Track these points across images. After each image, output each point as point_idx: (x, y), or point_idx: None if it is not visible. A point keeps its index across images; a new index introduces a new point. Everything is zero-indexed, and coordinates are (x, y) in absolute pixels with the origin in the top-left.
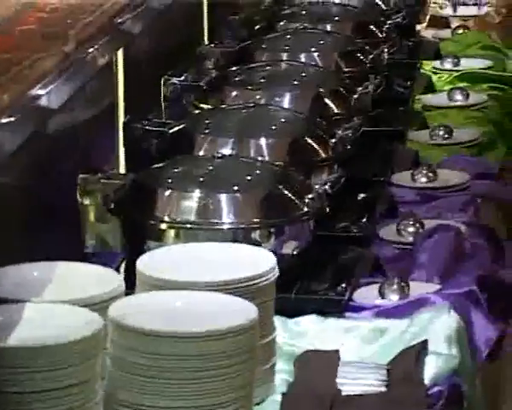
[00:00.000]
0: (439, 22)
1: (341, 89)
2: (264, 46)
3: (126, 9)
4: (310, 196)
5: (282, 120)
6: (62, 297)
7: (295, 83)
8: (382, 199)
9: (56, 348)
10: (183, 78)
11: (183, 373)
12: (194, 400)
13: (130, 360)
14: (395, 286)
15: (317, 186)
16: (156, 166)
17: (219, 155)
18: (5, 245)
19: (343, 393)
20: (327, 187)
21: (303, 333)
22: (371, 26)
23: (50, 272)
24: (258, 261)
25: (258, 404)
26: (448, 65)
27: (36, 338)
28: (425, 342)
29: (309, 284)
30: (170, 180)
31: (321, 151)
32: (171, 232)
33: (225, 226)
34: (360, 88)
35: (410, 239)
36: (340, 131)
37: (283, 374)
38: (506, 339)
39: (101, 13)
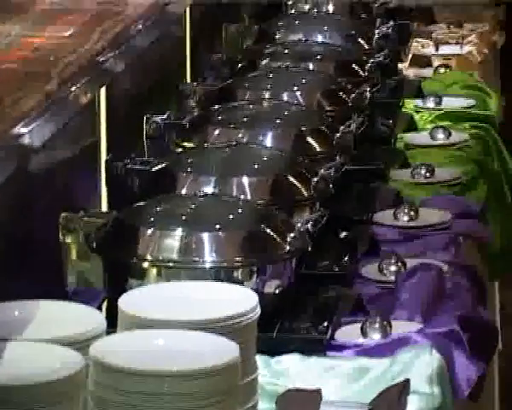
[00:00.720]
0: (421, 61)
1: (324, 127)
2: (246, 85)
3: (109, 48)
4: (292, 234)
5: (265, 158)
6: (43, 336)
7: (277, 122)
8: (364, 238)
9: (35, 388)
10: (165, 116)
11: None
12: None
13: (111, 398)
14: (377, 325)
15: (299, 225)
16: (138, 204)
17: (201, 194)
18: None
19: None
20: (309, 226)
21: (285, 372)
22: (353, 65)
23: (31, 311)
24: (240, 300)
25: None
26: (430, 104)
27: (15, 377)
28: (407, 382)
29: (291, 323)
30: (152, 219)
31: (303, 190)
32: (153, 271)
33: (207, 265)
34: (342, 127)
35: (392, 278)
36: (322, 170)
37: None
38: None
39: (83, 52)
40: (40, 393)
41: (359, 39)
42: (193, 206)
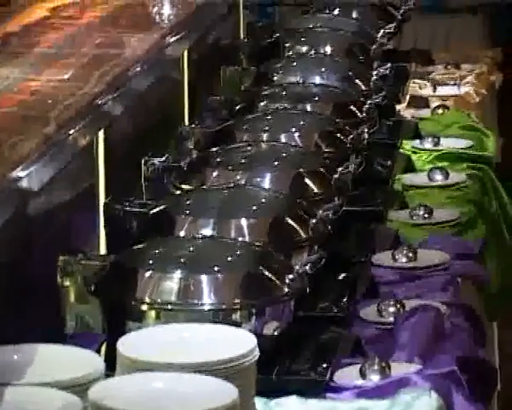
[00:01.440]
0: (419, 102)
1: (322, 169)
2: (244, 127)
3: (107, 91)
4: (290, 276)
5: (263, 200)
6: (42, 380)
7: (276, 163)
8: (363, 279)
9: None
10: (163, 158)
11: None
12: None
13: None
14: (376, 366)
15: (297, 266)
16: (137, 247)
17: (200, 236)
18: None
19: None
20: (307, 267)
21: None
22: (351, 106)
23: (30, 355)
24: (239, 342)
25: None
26: (428, 145)
27: None
28: None
29: (290, 365)
30: (150, 261)
31: (301, 231)
32: (152, 313)
33: (206, 307)
34: (340, 168)
35: (391, 319)
36: (320, 212)
37: None
38: None
39: (81, 95)
40: None
41: (357, 81)
42: (191, 248)
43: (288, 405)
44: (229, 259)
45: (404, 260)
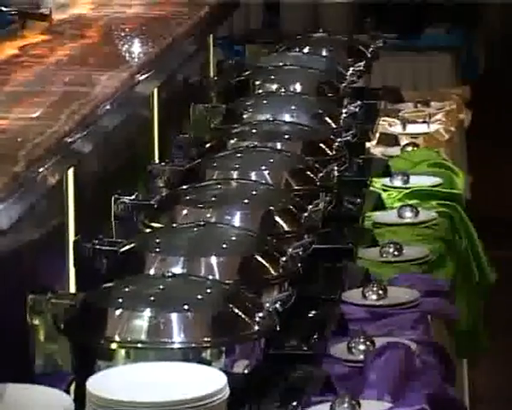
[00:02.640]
0: (389, 140)
1: (291, 207)
2: (214, 164)
3: (76, 129)
4: (260, 314)
5: (233, 238)
6: None
7: (245, 201)
8: (333, 317)
9: None
10: (133, 196)
11: None
12: None
13: None
14: (346, 405)
15: (267, 304)
16: (106, 285)
17: (170, 274)
18: None
19: None
20: (277, 305)
21: None
22: (321, 144)
23: None
24: (209, 381)
25: None
26: (398, 182)
27: None
28: None
29: (260, 403)
30: (120, 300)
31: (271, 269)
32: (122, 352)
33: (175, 346)
34: (310, 206)
35: (361, 357)
36: (290, 249)
37: None
38: None
39: (50, 133)
40: None
41: (327, 118)
42: (161, 286)
43: None
44: (199, 297)
45: (374, 297)
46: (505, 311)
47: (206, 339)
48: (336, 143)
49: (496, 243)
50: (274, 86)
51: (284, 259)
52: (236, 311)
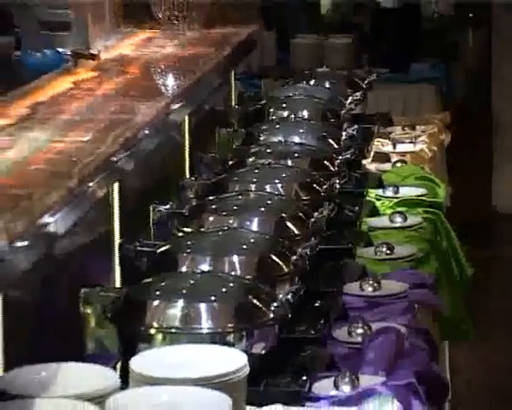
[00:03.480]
0: (382, 157)
1: (300, 214)
2: (235, 179)
3: (120, 150)
4: (274, 304)
5: (251, 241)
6: (67, 393)
7: (262, 209)
8: (335, 306)
9: None
10: (168, 206)
11: None
12: None
13: None
14: (347, 379)
15: (280, 296)
16: (146, 280)
17: (199, 272)
18: (19, 349)
19: None
20: (289, 297)
21: None
22: (325, 162)
23: (56, 372)
24: (232, 360)
25: None
26: (389, 193)
27: None
28: None
29: (274, 379)
30: (157, 293)
31: (284, 266)
32: (159, 336)
33: (204, 331)
34: (316, 213)
35: (359, 339)
36: (299, 250)
37: None
38: None
39: (98, 154)
40: None
41: (329, 140)
42: (191, 281)
43: None
44: (223, 290)
45: (370, 289)
46: (481, 302)
47: (229, 325)
48: (338, 161)
49: (472, 243)
50: (285, 113)
51: (294, 258)
52: (254, 301)
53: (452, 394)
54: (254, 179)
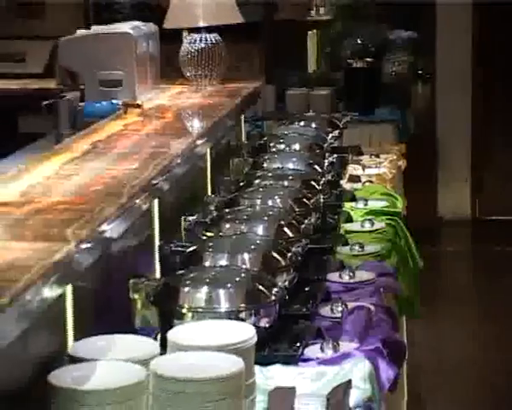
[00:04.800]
0: (354, 179)
1: (294, 221)
2: (245, 196)
3: (159, 175)
4: (275, 289)
5: (257, 242)
6: (120, 357)
7: (265, 218)
8: (321, 290)
9: (118, 389)
10: (195, 216)
11: (200, 403)
12: None
13: (161, 395)
14: (330, 345)
15: (279, 283)
16: (179, 272)
17: (218, 266)
18: (84, 324)
19: None
20: (286, 284)
21: (272, 376)
22: (312, 182)
23: (112, 341)
24: (243, 331)
25: None
26: (360, 205)
27: (105, 383)
28: (349, 381)
29: (275, 345)
30: (187, 282)
31: (282, 261)
32: (189, 314)
33: (222, 310)
34: (306, 221)
35: (339, 315)
36: (293, 248)
37: (261, 403)
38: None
39: (143, 178)
40: (121, 392)
41: (315, 166)
42: (212, 273)
43: (275, 370)
44: (237, 279)
45: (346, 277)
46: (429, 286)
47: (241, 305)
48: (322, 181)
49: (422, 242)
50: (282, 146)
51: (290, 254)
52: (260, 287)
53: (408, 355)
54: (259, 196)
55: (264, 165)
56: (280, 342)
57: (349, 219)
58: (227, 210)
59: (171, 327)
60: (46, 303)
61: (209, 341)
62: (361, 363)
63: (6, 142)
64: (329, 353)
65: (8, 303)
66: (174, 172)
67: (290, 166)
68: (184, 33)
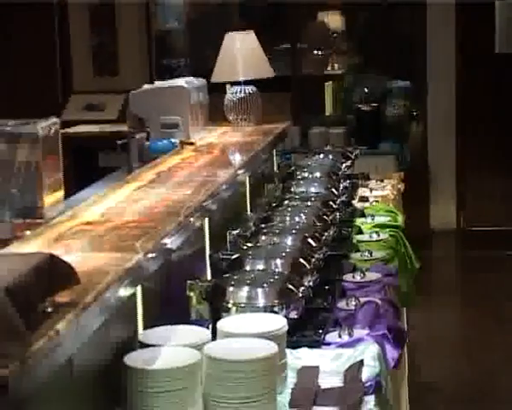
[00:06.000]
0: (363, 199)
1: (316, 234)
2: (277, 214)
3: (208, 199)
4: (302, 288)
5: (287, 250)
6: (180, 343)
7: (293, 231)
8: (338, 288)
9: (179, 369)
10: (237, 231)
11: (243, 379)
12: (249, 390)
13: (214, 374)
14: (346, 332)
15: (305, 283)
16: (225, 275)
17: (257, 270)
18: (151, 317)
19: (322, 387)
20: (310, 283)
21: (300, 357)
22: (330, 202)
23: (173, 331)
24: (277, 322)
25: (279, 394)
26: (368, 220)
27: (168, 364)
28: (362, 361)
29: (302, 332)
30: (232, 282)
31: (307, 265)
32: (234, 309)
33: (260, 305)
34: (326, 233)
35: (353, 308)
36: (316, 255)
37: (291, 379)
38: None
39: (195, 201)
40: (180, 371)
41: (333, 189)
42: (252, 276)
43: (302, 352)
44: (271, 280)
45: (358, 278)
46: (424, 282)
47: (275, 301)
48: (338, 201)
49: (418, 248)
50: (306, 174)
51: (313, 260)
52: (290, 286)
53: (408, 340)
54: (288, 214)
55: (292, 189)
56: (306, 329)
57: (360, 232)
58: (263, 225)
59: (219, 319)
60: (121, 300)
61: (250, 329)
62: (371, 346)
63: (89, 174)
64: (345, 338)
65: (92, 301)
66: (220, 196)
67: (312, 189)
68: (227, 86)
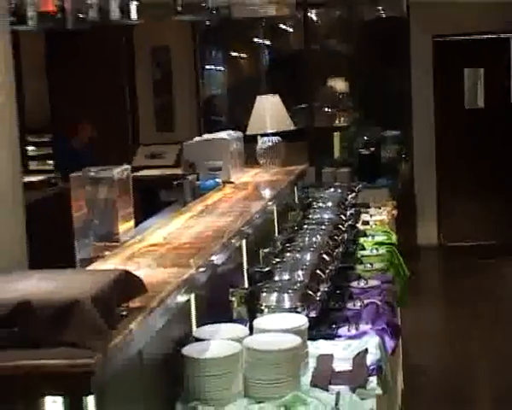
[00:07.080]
0: (365, 222)
1: (329, 250)
2: (299, 235)
3: (245, 225)
4: (319, 293)
5: (307, 263)
6: (225, 337)
7: (311, 249)
8: (347, 293)
9: (225, 358)
10: (268, 249)
11: (274, 365)
12: (279, 373)
13: (252, 362)
14: (353, 327)
15: (322, 289)
16: (259, 284)
17: (283, 279)
18: (202, 317)
19: (336, 370)
20: (325, 289)
21: (318, 347)
22: (340, 226)
23: (220, 328)
24: (299, 320)
25: (302, 376)
26: (369, 238)
27: (216, 354)
28: (366, 349)
29: (319, 328)
30: (264, 289)
31: (322, 275)
32: (266, 310)
33: (286, 307)
34: (336, 250)
35: (359, 307)
36: (329, 267)
37: (311, 364)
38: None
39: (235, 226)
40: (226, 360)
41: (341, 215)
42: (279, 284)
43: (320, 343)
44: (295, 287)
45: (362, 284)
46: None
47: (298, 303)
48: (345, 225)
49: (408, 260)
50: (320, 204)
51: (327, 271)
52: (309, 292)
53: (402, 333)
54: (307, 236)
55: (310, 216)
56: (322, 325)
57: (363, 248)
58: (287, 245)
59: (255, 318)
60: (179, 305)
61: (278, 326)
62: (373, 338)
63: (153, 207)
64: (353, 332)
65: (157, 305)
66: (254, 222)
67: (326, 216)
68: (258, 137)
